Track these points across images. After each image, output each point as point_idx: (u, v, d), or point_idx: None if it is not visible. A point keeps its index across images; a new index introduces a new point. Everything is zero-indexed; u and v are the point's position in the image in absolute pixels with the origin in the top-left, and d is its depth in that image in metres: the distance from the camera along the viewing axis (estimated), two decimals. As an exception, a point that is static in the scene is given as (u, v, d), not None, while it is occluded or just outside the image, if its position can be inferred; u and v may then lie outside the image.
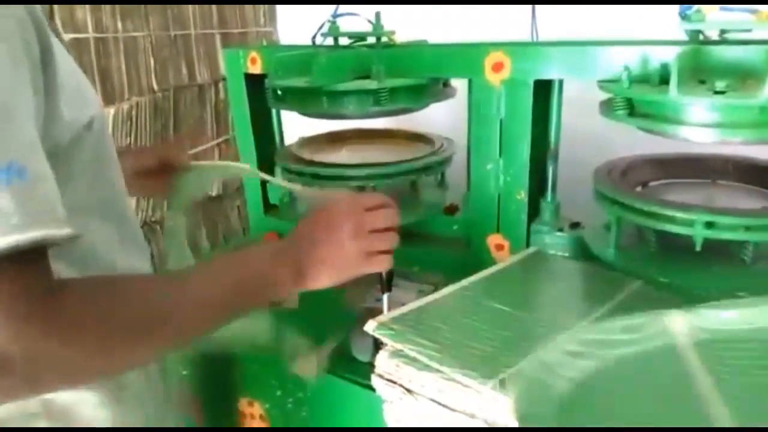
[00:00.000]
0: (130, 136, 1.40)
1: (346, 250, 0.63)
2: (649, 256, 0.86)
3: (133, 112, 1.39)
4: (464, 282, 0.79)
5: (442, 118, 1.31)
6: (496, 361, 0.60)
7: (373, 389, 0.67)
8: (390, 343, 0.64)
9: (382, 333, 0.65)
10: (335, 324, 0.88)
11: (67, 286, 0.46)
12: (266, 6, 1.72)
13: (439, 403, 0.61)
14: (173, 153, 0.84)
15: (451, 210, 1.10)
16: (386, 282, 0.73)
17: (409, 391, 0.63)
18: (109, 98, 1.32)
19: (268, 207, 1.24)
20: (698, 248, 0.77)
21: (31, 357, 0.42)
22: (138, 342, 0.49)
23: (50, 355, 0.43)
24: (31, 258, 0.42)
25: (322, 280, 0.63)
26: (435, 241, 1.12)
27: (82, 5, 1.26)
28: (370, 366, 0.68)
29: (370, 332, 0.66)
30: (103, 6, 1.33)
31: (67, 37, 1.22)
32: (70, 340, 0.43)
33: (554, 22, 1.13)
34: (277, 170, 1.19)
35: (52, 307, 0.43)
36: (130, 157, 0.78)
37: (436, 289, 0.86)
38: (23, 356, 0.41)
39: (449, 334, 0.65)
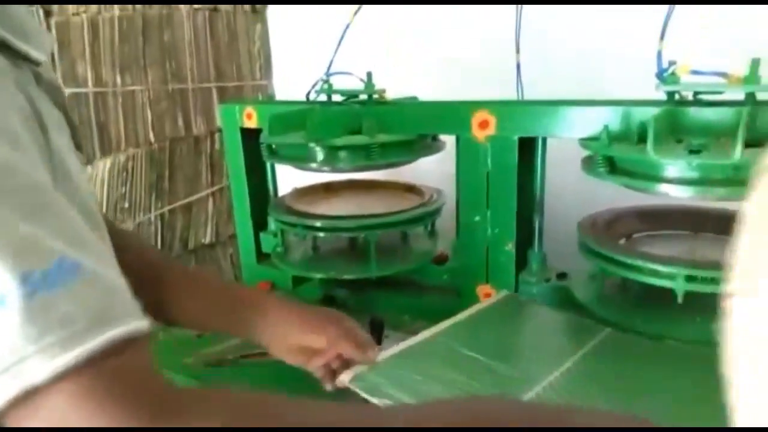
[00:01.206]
0: (126, 186, 1.42)
1: None
2: (633, 306, 0.87)
3: (130, 164, 1.42)
4: (441, 326, 0.80)
5: (431, 168, 1.35)
6: None
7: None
8: (365, 396, 0.65)
9: (357, 385, 0.66)
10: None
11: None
12: (262, 60, 1.78)
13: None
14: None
15: (441, 259, 1.12)
16: (377, 335, 0.75)
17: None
18: (106, 150, 1.36)
19: (262, 256, 1.26)
20: (680, 301, 0.79)
21: None
22: None
23: None
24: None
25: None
26: (425, 290, 1.14)
27: (83, 59, 1.31)
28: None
29: (346, 383, 0.67)
30: (103, 60, 1.37)
31: (68, 91, 1.26)
32: None
33: (540, 78, 1.18)
34: (270, 220, 1.22)
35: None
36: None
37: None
38: None
39: (425, 386, 0.66)
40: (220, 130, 1.61)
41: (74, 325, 0.35)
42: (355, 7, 1.07)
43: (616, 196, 1.01)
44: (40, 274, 0.35)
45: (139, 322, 0.39)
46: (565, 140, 0.89)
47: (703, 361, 0.73)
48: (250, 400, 0.45)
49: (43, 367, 0.34)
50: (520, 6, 1.15)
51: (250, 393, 0.47)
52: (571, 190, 1.10)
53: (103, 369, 0.36)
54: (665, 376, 0.72)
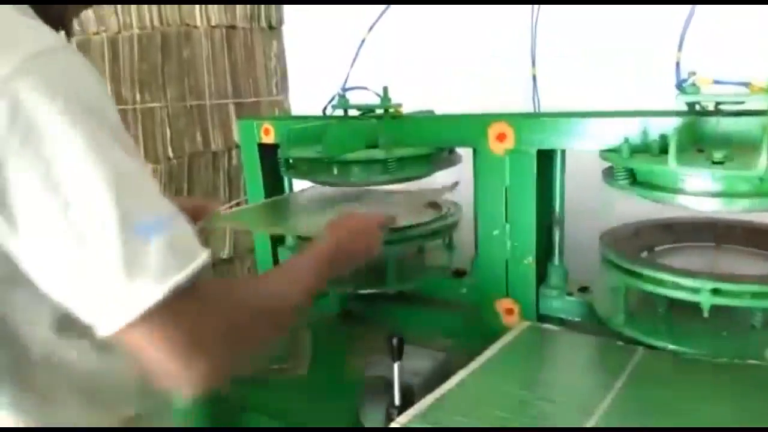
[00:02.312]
0: (145, 202, 1.43)
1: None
2: (658, 322, 0.86)
3: (149, 180, 1.43)
4: (471, 366, 0.78)
5: (447, 182, 1.34)
6: None
7: (384, 461, 0.67)
8: None
9: None
10: (345, 391, 0.88)
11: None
12: (278, 76, 1.79)
13: (443, 428, 0.60)
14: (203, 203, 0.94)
15: (459, 274, 1.11)
16: (397, 351, 0.74)
17: (421, 465, 0.62)
18: (126, 166, 1.37)
19: (279, 271, 1.26)
20: (706, 314, 0.77)
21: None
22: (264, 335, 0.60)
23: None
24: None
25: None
26: (444, 306, 1.13)
27: (103, 77, 1.32)
28: (381, 435, 0.68)
29: None
30: (122, 78, 1.39)
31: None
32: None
33: (556, 91, 1.17)
34: (287, 235, 1.22)
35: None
36: None
37: (448, 355, 0.86)
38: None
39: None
40: (237, 146, 1.62)
41: (192, 253, 0.49)
42: (370, 22, 1.08)
43: (636, 208, 1.00)
44: (167, 215, 0.49)
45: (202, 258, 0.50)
46: (584, 152, 0.88)
47: (741, 376, 0.73)
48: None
49: (183, 273, 0.47)
50: (535, 18, 1.15)
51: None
52: (591, 203, 1.09)
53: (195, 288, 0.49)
54: (710, 397, 0.71)
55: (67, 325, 0.53)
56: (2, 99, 0.44)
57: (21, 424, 0.55)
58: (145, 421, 0.65)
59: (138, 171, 0.50)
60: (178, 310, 0.47)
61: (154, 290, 0.46)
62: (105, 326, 0.47)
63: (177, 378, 0.49)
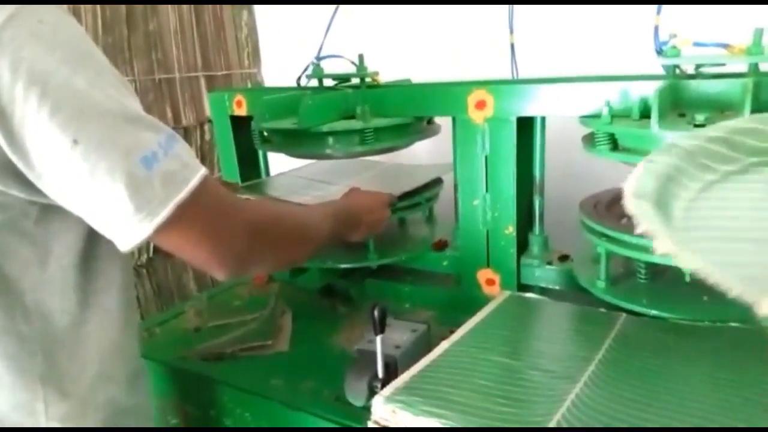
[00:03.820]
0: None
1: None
2: (639, 287, 0.86)
3: (118, 157, 1.39)
4: (453, 337, 0.77)
5: (426, 153, 1.33)
6: (524, 424, 0.59)
7: (369, 435, 0.66)
8: (408, 414, 0.62)
9: (395, 406, 0.63)
10: (327, 367, 0.87)
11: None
12: (250, 47, 1.74)
13: (440, 428, 0.60)
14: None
15: (440, 246, 1.10)
16: (379, 323, 0.73)
17: (406, 437, 0.62)
18: (93, 143, 1.32)
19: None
20: (687, 279, 0.77)
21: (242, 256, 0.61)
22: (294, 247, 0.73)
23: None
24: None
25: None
26: (425, 278, 1.12)
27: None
28: (366, 410, 0.67)
29: (378, 407, 0.64)
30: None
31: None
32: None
33: (533, 58, 1.15)
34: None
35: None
36: None
37: (428, 327, 0.86)
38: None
39: (461, 398, 0.63)
40: (209, 121, 1.58)
41: (189, 168, 0.55)
42: (344, -12, 1.05)
43: (617, 175, 0.99)
44: (164, 139, 0.53)
45: (202, 168, 0.56)
46: (564, 119, 0.86)
47: (722, 339, 0.73)
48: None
49: (182, 194, 0.53)
50: (513, -16, 1.12)
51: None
52: (572, 171, 1.08)
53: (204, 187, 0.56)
54: (693, 358, 0.71)
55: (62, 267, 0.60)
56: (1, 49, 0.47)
57: (17, 377, 0.57)
58: (142, 378, 0.71)
59: (134, 104, 0.54)
60: (190, 216, 0.54)
61: (161, 212, 0.52)
62: (122, 245, 0.53)
63: (210, 267, 0.59)
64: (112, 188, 0.50)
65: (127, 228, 0.52)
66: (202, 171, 0.56)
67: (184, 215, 0.53)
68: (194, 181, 0.54)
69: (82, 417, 0.61)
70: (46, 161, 0.50)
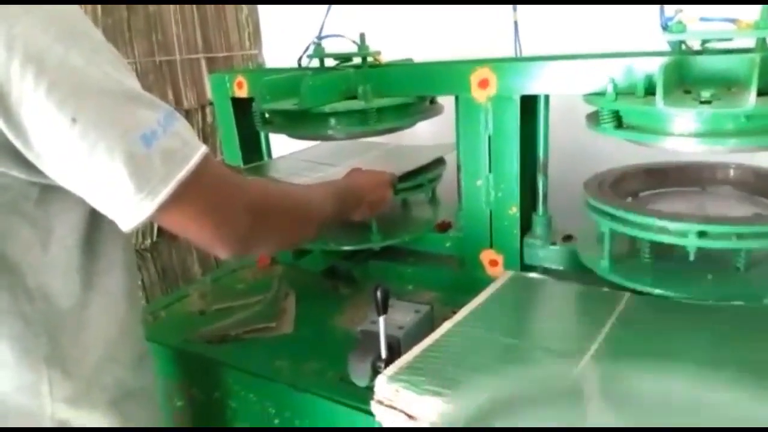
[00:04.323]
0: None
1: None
2: (643, 267, 0.85)
3: (120, 140, 1.38)
4: (457, 317, 0.77)
5: (429, 134, 1.31)
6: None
7: (373, 414, 0.66)
8: (412, 394, 0.62)
9: (399, 385, 0.63)
10: (331, 348, 0.87)
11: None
12: (251, 28, 1.73)
13: (441, 428, 0.60)
14: None
15: (444, 227, 1.09)
16: (382, 304, 0.73)
17: (410, 416, 0.62)
18: (95, 127, 1.32)
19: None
20: (692, 258, 0.77)
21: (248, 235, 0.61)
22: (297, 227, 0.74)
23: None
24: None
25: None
26: (428, 259, 1.12)
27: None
28: (369, 390, 0.67)
29: (382, 387, 0.64)
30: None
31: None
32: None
33: (537, 37, 1.14)
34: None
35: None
36: None
37: (431, 308, 0.86)
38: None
39: (464, 378, 0.63)
40: (210, 103, 1.57)
41: (189, 146, 0.54)
42: (345, -34, 1.03)
43: (621, 154, 0.98)
44: (163, 117, 0.52)
45: (203, 146, 0.56)
46: (568, 98, 0.85)
47: (726, 318, 0.73)
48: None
49: (182, 173, 0.52)
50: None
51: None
52: (576, 150, 1.07)
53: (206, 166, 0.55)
54: (696, 337, 0.71)
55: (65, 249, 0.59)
56: None
57: (21, 358, 0.58)
58: (146, 360, 0.71)
59: (132, 82, 0.53)
60: (192, 194, 0.54)
61: (162, 191, 0.51)
62: (124, 225, 0.53)
63: (213, 246, 0.59)
64: (111, 167, 0.49)
65: (129, 207, 0.51)
66: (203, 149, 0.55)
67: (186, 194, 0.53)
68: (195, 159, 0.54)
69: (87, 398, 0.61)
70: (45, 141, 0.49)
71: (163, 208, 0.52)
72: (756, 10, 0.73)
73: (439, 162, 1.10)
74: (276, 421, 0.83)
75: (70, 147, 0.49)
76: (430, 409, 0.60)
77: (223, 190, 0.59)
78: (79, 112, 0.48)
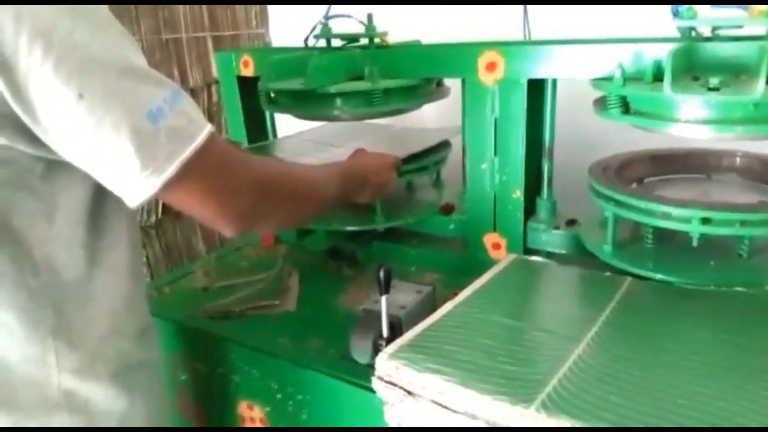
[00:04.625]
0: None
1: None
2: (645, 252, 0.86)
3: (126, 117, 1.38)
4: (459, 298, 0.78)
5: (435, 116, 1.31)
6: (526, 382, 0.60)
7: (373, 391, 0.67)
8: (412, 371, 0.63)
9: (399, 362, 0.64)
10: (333, 326, 0.88)
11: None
12: (257, 7, 1.72)
13: (441, 405, 0.61)
14: None
15: (447, 209, 1.09)
16: (384, 283, 0.73)
17: (409, 393, 0.63)
18: (101, 103, 1.32)
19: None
20: (695, 244, 0.77)
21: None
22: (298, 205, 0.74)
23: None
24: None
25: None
26: (431, 241, 1.13)
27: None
28: (370, 368, 0.68)
29: (382, 364, 0.65)
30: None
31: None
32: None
33: (546, 20, 1.13)
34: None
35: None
36: None
37: (433, 288, 0.86)
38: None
39: (464, 356, 0.64)
40: (216, 82, 1.57)
41: (195, 125, 0.54)
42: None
43: (628, 140, 0.98)
44: (170, 95, 0.53)
45: (209, 125, 0.56)
46: (575, 82, 0.85)
47: (727, 303, 0.73)
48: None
49: (188, 151, 0.53)
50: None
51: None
52: (582, 135, 1.07)
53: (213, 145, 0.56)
54: (696, 321, 0.71)
55: (69, 221, 0.60)
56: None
57: (9, 322, 0.58)
58: (150, 333, 0.72)
59: (139, 59, 0.53)
60: (197, 172, 0.54)
61: (167, 168, 0.52)
62: (130, 201, 0.54)
63: (216, 223, 0.60)
64: (117, 143, 0.50)
65: (134, 184, 0.52)
66: (209, 127, 0.55)
67: (191, 172, 0.53)
68: (201, 137, 0.54)
69: (92, 369, 0.62)
70: (52, 115, 0.49)
71: (169, 185, 0.52)
72: (768, -3, 0.73)
73: (445, 145, 1.10)
74: (278, 396, 0.84)
75: (77, 122, 0.49)
76: (430, 386, 0.61)
77: (228, 169, 0.59)
78: (86, 88, 0.48)
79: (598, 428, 0.53)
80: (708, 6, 0.77)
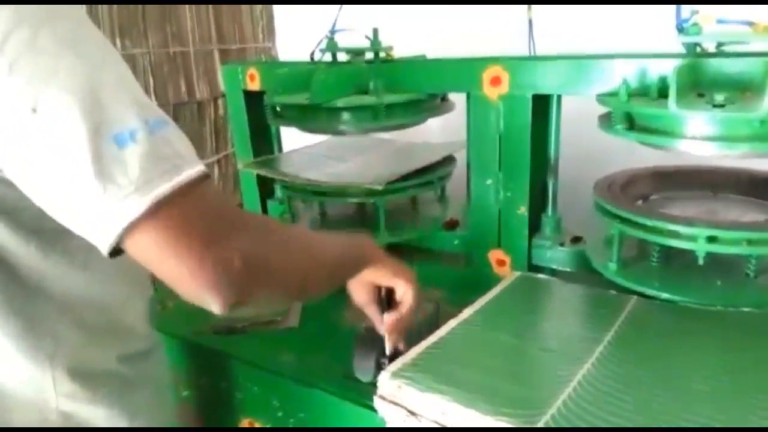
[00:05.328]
0: (130, 153, 1.40)
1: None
2: (651, 270, 0.85)
3: (133, 130, 1.39)
4: (462, 316, 0.77)
5: (439, 130, 1.31)
6: (530, 403, 0.59)
7: (375, 410, 0.66)
8: (414, 390, 0.62)
9: (402, 381, 0.63)
10: (336, 344, 0.87)
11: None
12: (264, 21, 1.73)
13: (443, 426, 0.60)
14: None
15: (452, 225, 1.09)
16: (387, 301, 0.73)
17: (412, 413, 0.62)
18: (108, 116, 1.33)
19: (268, 223, 1.24)
20: (701, 262, 0.76)
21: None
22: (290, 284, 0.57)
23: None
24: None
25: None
26: (435, 257, 1.12)
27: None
28: (373, 386, 0.67)
29: (385, 383, 0.65)
30: (102, 23, 1.33)
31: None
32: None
33: (551, 35, 1.13)
34: (277, 186, 1.19)
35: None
36: None
37: (437, 305, 0.85)
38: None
39: (467, 376, 0.63)
40: (223, 95, 1.57)
41: (181, 158, 0.45)
42: (359, -39, 1.03)
43: (633, 156, 0.98)
44: (153, 120, 0.45)
45: (202, 166, 0.47)
46: (580, 97, 0.85)
47: (734, 324, 0.72)
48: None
49: (166, 185, 0.43)
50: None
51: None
52: (587, 151, 1.06)
53: (192, 196, 0.45)
54: (703, 342, 0.70)
55: (52, 247, 0.55)
56: None
57: (8, 348, 0.56)
58: (154, 355, 0.69)
59: (115, 74, 0.46)
60: (181, 215, 0.44)
61: (138, 202, 0.42)
62: (100, 245, 0.44)
63: (199, 290, 0.46)
64: (74, 168, 0.42)
65: (97, 222, 0.43)
66: (202, 167, 0.47)
67: (171, 212, 0.44)
68: (188, 174, 0.45)
69: (90, 393, 0.61)
70: (1, 131, 0.42)
71: (141, 223, 0.42)
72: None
73: (450, 160, 1.10)
74: (279, 414, 0.83)
75: (28, 140, 0.42)
76: (432, 406, 0.60)
77: (221, 221, 0.48)
78: (41, 101, 0.41)
79: (599, 428, 0.52)
80: (713, 21, 0.77)
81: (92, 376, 0.61)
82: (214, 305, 0.47)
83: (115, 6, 1.38)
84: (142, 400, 0.66)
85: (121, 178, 0.42)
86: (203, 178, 0.46)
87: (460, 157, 1.05)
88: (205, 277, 0.45)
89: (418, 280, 1.05)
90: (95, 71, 0.44)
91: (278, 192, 1.20)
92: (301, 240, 0.60)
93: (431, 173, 1.05)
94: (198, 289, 0.45)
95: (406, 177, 1.00)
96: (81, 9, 0.47)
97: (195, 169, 0.46)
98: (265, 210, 1.23)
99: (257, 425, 0.87)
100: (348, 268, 0.70)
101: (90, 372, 0.61)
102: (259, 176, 1.20)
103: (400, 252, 1.13)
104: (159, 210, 0.43)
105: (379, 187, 0.93)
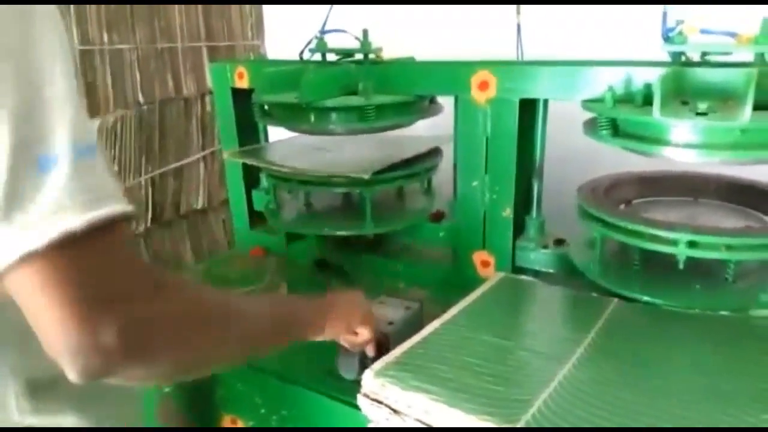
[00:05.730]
0: (115, 149, 1.39)
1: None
2: (633, 273, 0.86)
3: (118, 125, 1.38)
4: (446, 316, 0.78)
5: (427, 132, 1.32)
6: (511, 402, 0.59)
7: (358, 408, 0.67)
8: (397, 389, 0.63)
9: (386, 380, 0.64)
10: (321, 342, 0.87)
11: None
12: (253, 19, 1.72)
13: (426, 424, 0.61)
14: None
15: (438, 217, 1.10)
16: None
17: (395, 411, 0.62)
18: (93, 110, 1.32)
19: (255, 220, 1.24)
20: (681, 266, 0.78)
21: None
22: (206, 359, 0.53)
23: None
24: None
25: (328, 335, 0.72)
26: (420, 256, 1.13)
27: (67, 15, 1.26)
28: (357, 384, 0.68)
29: (368, 381, 0.65)
30: (89, 17, 1.32)
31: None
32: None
33: (539, 41, 1.14)
34: (262, 176, 1.19)
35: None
36: None
37: (421, 305, 0.86)
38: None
39: (450, 375, 0.64)
40: (211, 92, 1.57)
41: (104, 191, 0.42)
42: (350, -39, 1.03)
43: (617, 161, 0.99)
44: (85, 146, 0.41)
45: (127, 205, 0.43)
46: (567, 103, 0.86)
47: (712, 327, 0.74)
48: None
49: (78, 218, 0.39)
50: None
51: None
52: (572, 155, 1.08)
53: (101, 238, 0.41)
54: (681, 344, 0.72)
55: None
56: None
57: None
58: None
59: (60, 88, 0.41)
60: (74, 261, 0.40)
61: (38, 235, 0.38)
62: None
63: (52, 342, 0.40)
64: None
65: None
66: (124, 206, 0.42)
67: (62, 254, 0.39)
68: (106, 211, 0.41)
69: (55, 405, 0.58)
70: None
71: (28, 259, 0.39)
72: (757, 23, 0.74)
73: (436, 152, 1.11)
74: (262, 411, 0.83)
75: None
76: (415, 404, 0.61)
77: (115, 282, 0.42)
78: None
79: (594, 428, 0.53)
80: (698, 31, 0.78)
81: (56, 385, 0.57)
82: (71, 372, 0.41)
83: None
84: (108, 409, 0.62)
85: (30, 206, 0.39)
86: (123, 219, 0.42)
87: (447, 150, 1.06)
88: (68, 341, 0.40)
89: (403, 279, 1.07)
90: (33, 87, 0.40)
91: (263, 182, 1.19)
92: (222, 312, 0.54)
93: (418, 164, 1.05)
94: (58, 350, 0.40)
95: (392, 167, 1.00)
96: (51, 9, 0.43)
97: (116, 206, 0.41)
98: (250, 201, 1.22)
99: (240, 422, 0.87)
100: (286, 336, 0.67)
101: (53, 381, 0.56)
102: (244, 167, 1.19)
103: (386, 249, 1.14)
104: (54, 248, 0.39)
105: (366, 176, 0.94)
